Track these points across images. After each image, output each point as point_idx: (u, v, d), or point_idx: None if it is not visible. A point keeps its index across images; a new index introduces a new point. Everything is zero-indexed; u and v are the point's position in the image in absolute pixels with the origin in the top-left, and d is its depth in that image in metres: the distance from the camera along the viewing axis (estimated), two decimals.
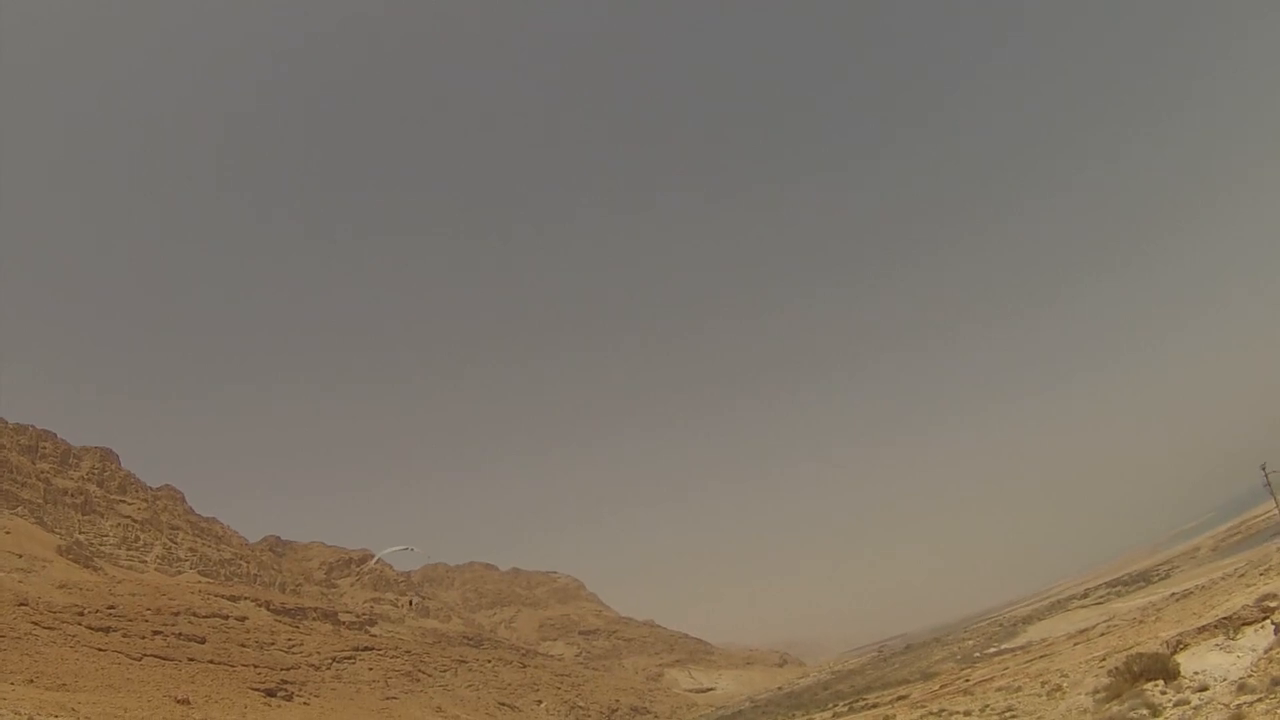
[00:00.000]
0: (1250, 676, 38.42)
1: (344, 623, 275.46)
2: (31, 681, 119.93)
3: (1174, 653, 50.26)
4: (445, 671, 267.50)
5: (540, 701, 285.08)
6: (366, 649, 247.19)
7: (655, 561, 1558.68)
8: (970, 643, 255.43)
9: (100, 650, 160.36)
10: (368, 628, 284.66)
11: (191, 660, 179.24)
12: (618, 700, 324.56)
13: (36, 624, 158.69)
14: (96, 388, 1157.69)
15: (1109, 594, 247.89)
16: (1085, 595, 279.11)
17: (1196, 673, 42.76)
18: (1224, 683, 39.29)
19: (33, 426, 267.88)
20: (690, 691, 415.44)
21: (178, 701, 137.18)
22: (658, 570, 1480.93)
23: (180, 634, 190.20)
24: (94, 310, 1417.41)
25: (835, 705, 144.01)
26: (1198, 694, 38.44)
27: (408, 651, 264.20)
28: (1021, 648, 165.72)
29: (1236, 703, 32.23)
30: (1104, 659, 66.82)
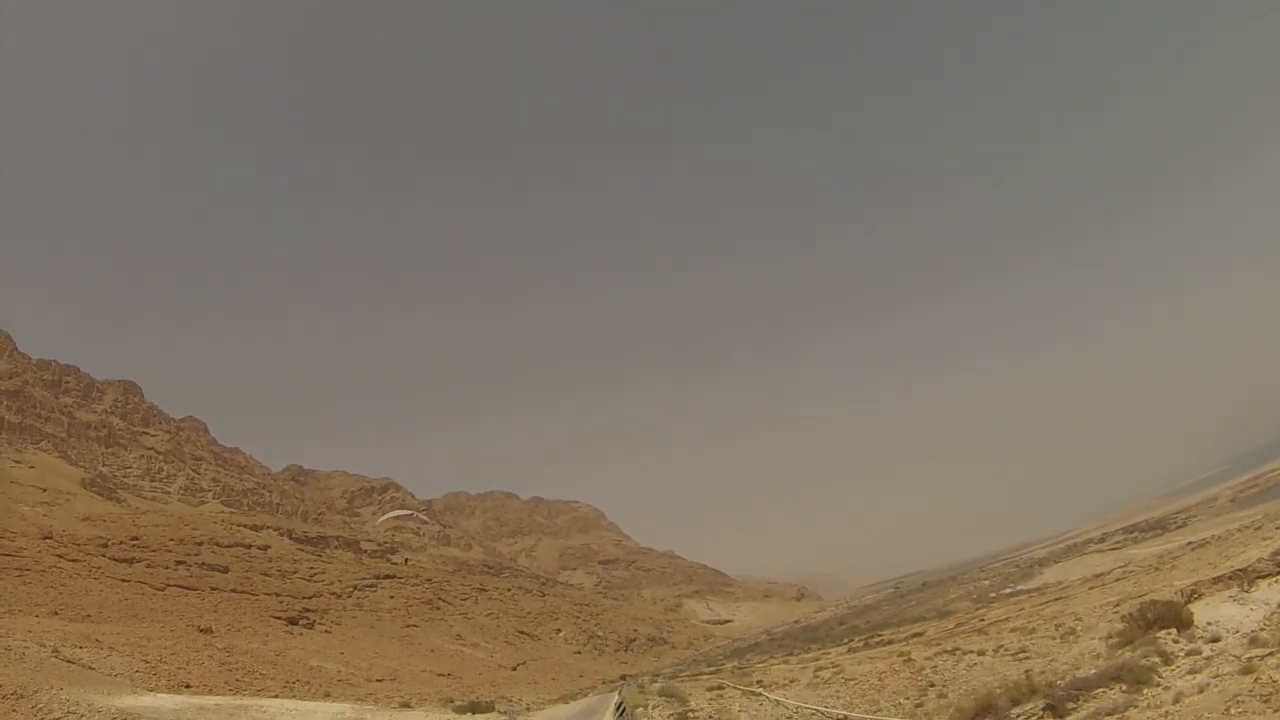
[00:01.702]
0: (1263, 630, 38.04)
1: (365, 551, 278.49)
2: (56, 613, 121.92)
3: (1188, 602, 50.00)
4: (465, 600, 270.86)
5: (559, 630, 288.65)
6: (387, 577, 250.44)
7: (676, 493, 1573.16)
8: (986, 583, 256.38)
9: (124, 581, 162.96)
10: (389, 556, 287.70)
11: (214, 589, 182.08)
12: (636, 630, 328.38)
13: (61, 556, 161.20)
14: (119, 322, 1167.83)
15: (1126, 540, 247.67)
16: (1102, 540, 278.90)
17: (1209, 623, 42.49)
18: (1236, 635, 38.91)
19: (55, 362, 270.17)
20: (708, 623, 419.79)
21: (201, 630, 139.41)
22: (679, 502, 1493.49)
23: (203, 564, 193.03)
24: (116, 246, 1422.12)
25: (851, 640, 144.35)
26: (1210, 645, 38.21)
27: (428, 580, 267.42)
28: (1037, 590, 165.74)
29: (1248, 656, 31.88)
30: (1118, 605, 66.63)
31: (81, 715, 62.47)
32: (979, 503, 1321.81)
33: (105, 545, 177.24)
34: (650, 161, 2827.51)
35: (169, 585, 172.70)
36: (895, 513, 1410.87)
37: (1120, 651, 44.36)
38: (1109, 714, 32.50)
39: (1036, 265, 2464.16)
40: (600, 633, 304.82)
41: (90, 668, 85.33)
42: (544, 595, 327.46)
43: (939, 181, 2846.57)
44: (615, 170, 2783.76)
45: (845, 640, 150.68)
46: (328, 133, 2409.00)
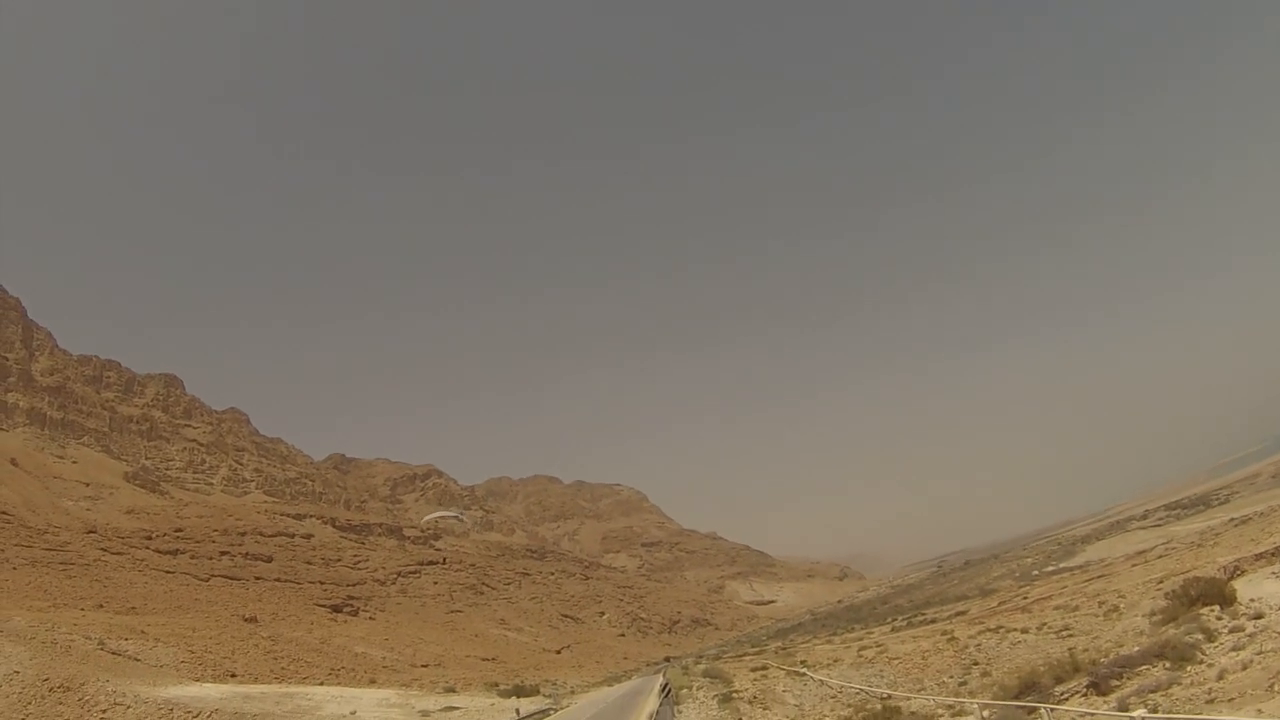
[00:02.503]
0: None
1: (408, 538, 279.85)
2: (101, 606, 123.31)
3: (1231, 579, 49.34)
4: (509, 584, 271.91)
5: (603, 613, 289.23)
6: (431, 563, 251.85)
7: (719, 475, 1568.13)
8: (1029, 561, 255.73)
9: (168, 573, 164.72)
10: (432, 542, 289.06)
11: (258, 579, 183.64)
12: (679, 612, 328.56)
13: (105, 550, 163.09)
14: (160, 316, 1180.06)
15: (1168, 517, 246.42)
16: (1144, 517, 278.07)
17: (1252, 600, 41.80)
18: (1279, 611, 38.37)
19: (96, 357, 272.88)
20: (751, 604, 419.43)
21: (245, 620, 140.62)
22: (721, 483, 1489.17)
23: (247, 554, 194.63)
24: (155, 240, 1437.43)
25: (894, 619, 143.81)
26: (1253, 621, 37.62)
27: (472, 565, 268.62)
28: (1080, 567, 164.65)
29: None
30: (1161, 581, 65.87)
31: (128, 706, 63.04)
32: (1021, 481, 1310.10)
33: (149, 538, 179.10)
34: (672, 145, 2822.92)
35: (213, 576, 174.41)
36: (937, 492, 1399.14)
37: (1163, 629, 43.62)
38: (1152, 691, 31.68)
39: (1085, 242, 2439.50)
40: (644, 615, 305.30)
41: (136, 659, 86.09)
42: (587, 578, 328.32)
43: (985, 156, 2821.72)
44: (646, 152, 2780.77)
45: (889, 619, 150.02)
46: (364, 120, 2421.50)
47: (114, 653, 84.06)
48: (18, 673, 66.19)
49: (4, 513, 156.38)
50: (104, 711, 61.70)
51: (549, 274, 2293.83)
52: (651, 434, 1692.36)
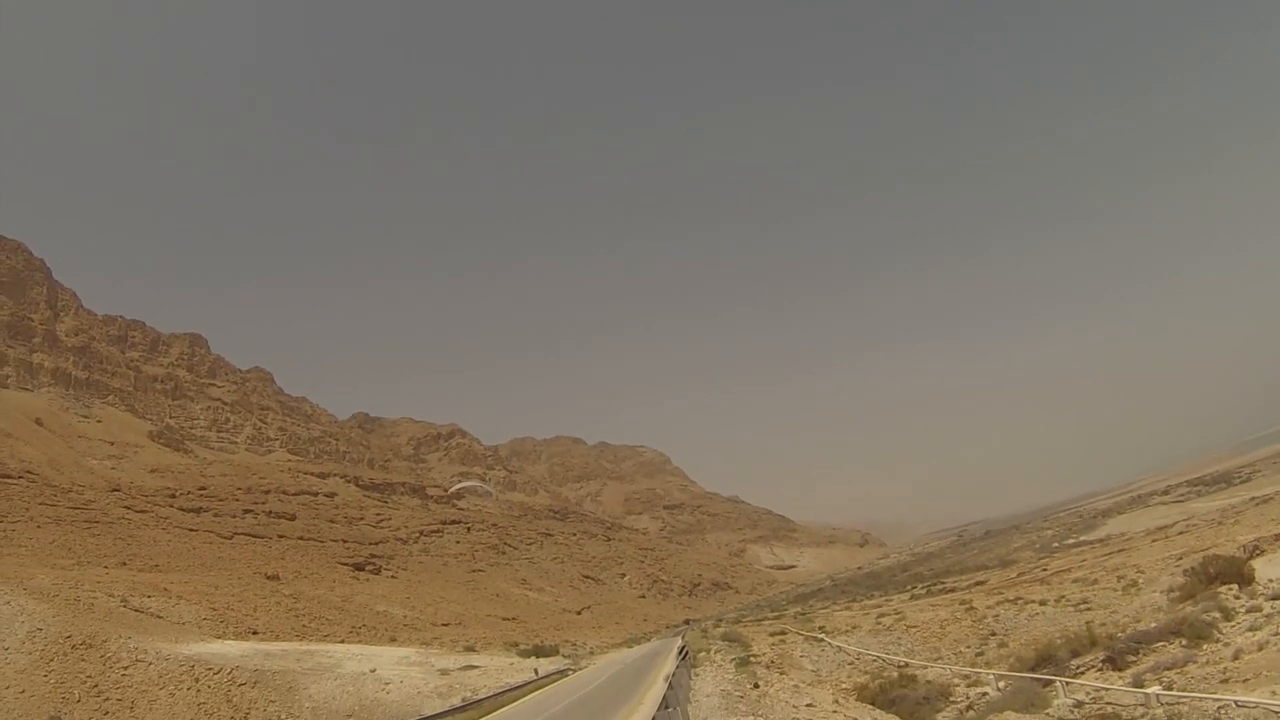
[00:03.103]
0: None
1: (431, 497, 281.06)
2: (125, 564, 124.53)
3: (1250, 558, 49.25)
4: (531, 544, 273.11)
5: (624, 574, 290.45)
6: (453, 523, 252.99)
7: (743, 438, 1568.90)
8: (1049, 533, 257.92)
9: (191, 531, 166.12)
10: (455, 502, 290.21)
11: (281, 537, 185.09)
12: (700, 574, 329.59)
13: (129, 508, 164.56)
14: (185, 276, 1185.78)
15: (1189, 493, 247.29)
16: (1166, 492, 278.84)
17: (1271, 580, 41.67)
18: None
19: (121, 318, 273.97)
20: (771, 568, 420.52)
21: (268, 578, 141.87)
22: (745, 447, 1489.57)
23: (270, 512, 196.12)
24: (180, 200, 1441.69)
25: (914, 587, 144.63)
26: (1271, 602, 37.51)
27: (494, 525, 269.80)
28: (1100, 541, 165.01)
29: None
30: (1180, 558, 65.73)
31: (149, 663, 63.48)
32: (1044, 454, 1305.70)
33: (173, 496, 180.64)
34: (711, 110, 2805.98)
35: (236, 534, 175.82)
36: (960, 462, 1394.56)
37: (1181, 606, 43.37)
38: (1168, 668, 31.37)
39: (1119, 218, 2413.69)
40: (664, 577, 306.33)
41: (158, 616, 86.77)
42: (609, 540, 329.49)
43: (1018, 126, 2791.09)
44: (678, 114, 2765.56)
45: (908, 587, 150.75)
46: (390, 80, 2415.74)
47: (137, 610, 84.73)
48: (40, 630, 66.72)
49: (29, 472, 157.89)
50: (126, 668, 62.16)
51: (570, 235, 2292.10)
52: (676, 397, 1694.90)
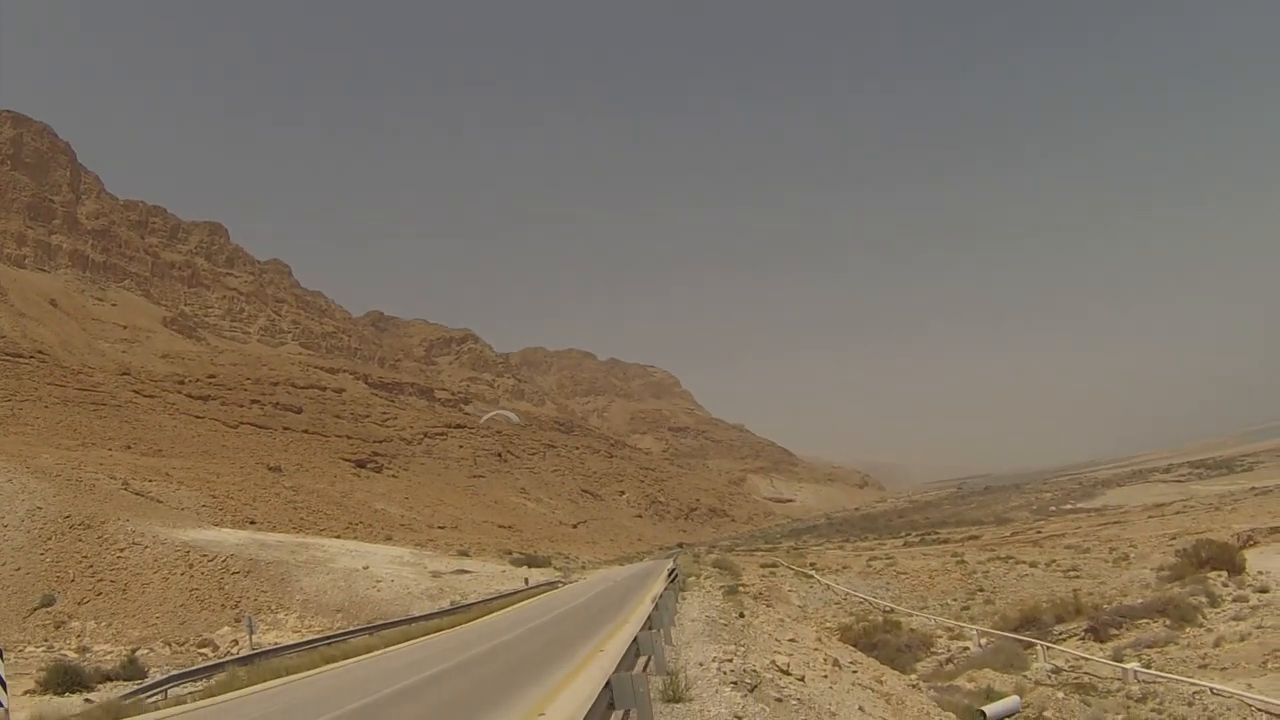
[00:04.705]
0: None
1: (439, 400, 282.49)
2: (129, 447, 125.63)
3: (1243, 547, 49.48)
4: (533, 455, 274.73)
5: (623, 492, 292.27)
6: (458, 427, 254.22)
7: (752, 365, 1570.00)
8: (1048, 495, 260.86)
9: (198, 418, 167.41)
10: (462, 406, 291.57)
11: (286, 429, 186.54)
12: (698, 500, 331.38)
13: (138, 392, 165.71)
14: (209, 163, 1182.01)
15: (1190, 474, 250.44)
16: (1168, 470, 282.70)
17: (1261, 572, 41.94)
18: None
19: (142, 203, 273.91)
20: (769, 499, 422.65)
21: (270, 469, 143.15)
22: (754, 374, 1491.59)
23: (277, 403, 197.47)
24: (206, 89, 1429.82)
25: (907, 534, 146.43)
26: (1258, 594, 37.77)
27: (498, 432, 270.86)
28: (1096, 510, 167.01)
29: None
30: (1174, 538, 66.30)
31: (145, 546, 64.23)
32: (1053, 416, 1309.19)
33: (182, 382, 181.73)
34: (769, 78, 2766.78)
35: (242, 423, 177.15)
36: (970, 414, 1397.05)
37: (1169, 586, 43.55)
38: (1149, 646, 31.40)
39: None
40: (663, 499, 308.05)
41: (158, 501, 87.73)
42: (611, 457, 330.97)
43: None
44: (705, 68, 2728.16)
45: (902, 534, 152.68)
46: None
47: (137, 494, 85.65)
48: (40, 509, 67.47)
49: (40, 352, 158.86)
50: (121, 551, 62.91)
51: (599, 143, 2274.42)
52: (690, 317, 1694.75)
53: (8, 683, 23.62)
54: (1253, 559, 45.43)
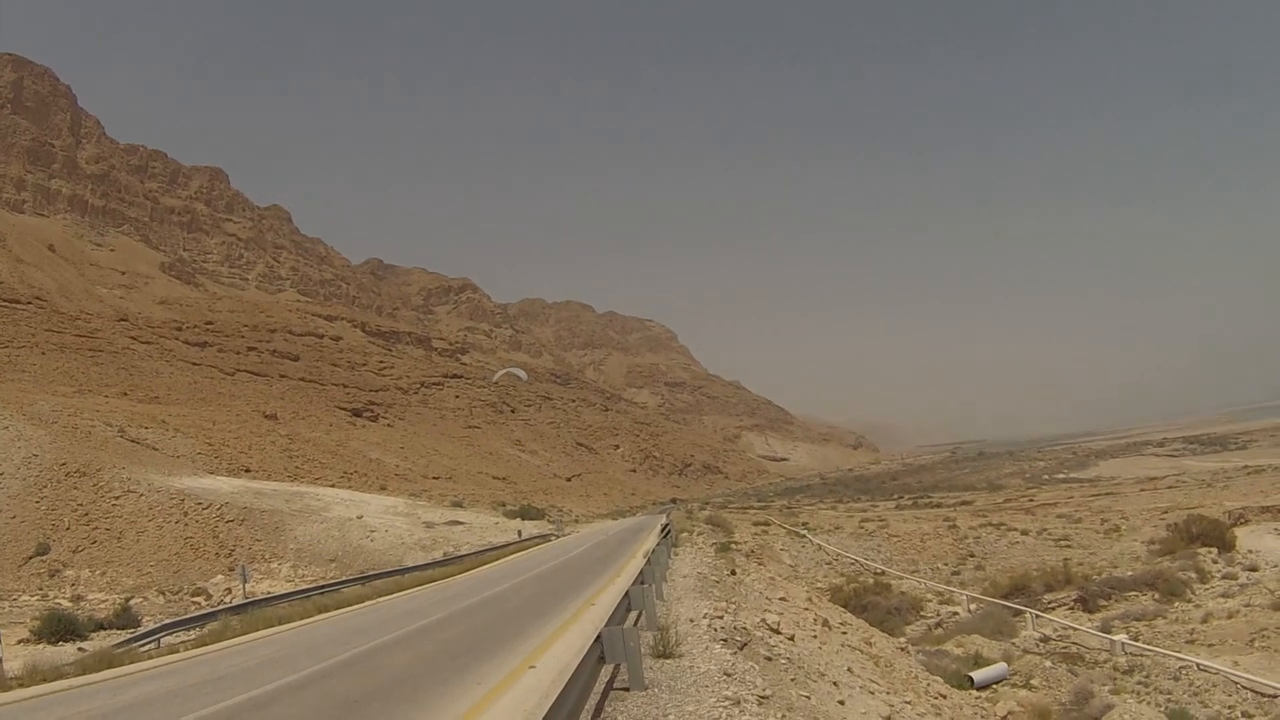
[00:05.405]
0: None
1: (436, 349, 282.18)
2: (125, 394, 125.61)
3: (1234, 525, 49.91)
4: (529, 406, 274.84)
5: (618, 446, 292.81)
6: (455, 376, 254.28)
7: (751, 324, 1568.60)
8: (1041, 464, 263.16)
9: (194, 365, 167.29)
10: (459, 356, 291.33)
11: (283, 377, 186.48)
12: (692, 455, 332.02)
13: (134, 339, 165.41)
14: (209, 108, 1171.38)
15: (1185, 450, 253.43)
16: (1162, 444, 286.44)
17: (1250, 551, 42.37)
18: (1274, 569, 38.97)
19: (143, 147, 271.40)
20: (763, 457, 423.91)
21: (266, 416, 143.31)
22: (752, 332, 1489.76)
23: (274, 351, 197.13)
24: (207, 30, 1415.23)
25: (900, 497, 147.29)
26: (1247, 573, 38.11)
27: (495, 382, 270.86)
28: (1090, 481, 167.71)
29: None
30: (1166, 512, 66.64)
31: (141, 494, 64.44)
32: (1050, 384, 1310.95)
33: (179, 329, 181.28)
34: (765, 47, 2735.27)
35: (239, 370, 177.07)
36: (966, 378, 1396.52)
37: (1159, 559, 43.99)
38: (1137, 619, 31.63)
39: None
40: (657, 454, 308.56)
41: (154, 448, 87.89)
42: (607, 410, 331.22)
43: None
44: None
45: (895, 496, 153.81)
46: None
47: (133, 441, 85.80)
48: (36, 456, 67.65)
49: (38, 298, 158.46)
50: (117, 498, 63.14)
51: (601, 85, 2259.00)
52: (690, 273, 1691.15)
53: (2, 632, 23.75)
54: (1243, 537, 45.82)
